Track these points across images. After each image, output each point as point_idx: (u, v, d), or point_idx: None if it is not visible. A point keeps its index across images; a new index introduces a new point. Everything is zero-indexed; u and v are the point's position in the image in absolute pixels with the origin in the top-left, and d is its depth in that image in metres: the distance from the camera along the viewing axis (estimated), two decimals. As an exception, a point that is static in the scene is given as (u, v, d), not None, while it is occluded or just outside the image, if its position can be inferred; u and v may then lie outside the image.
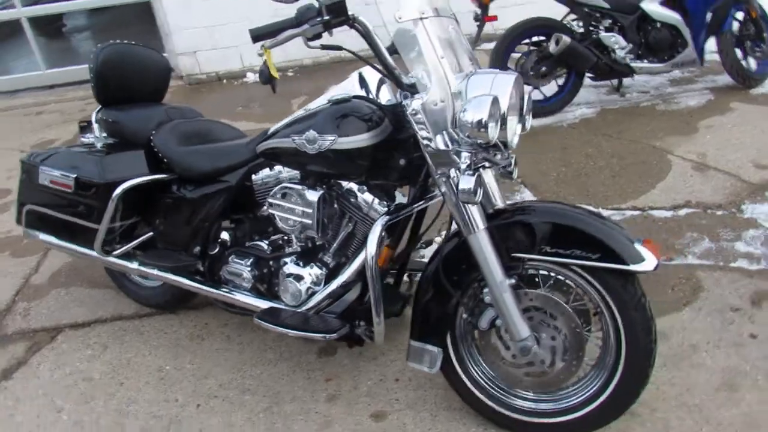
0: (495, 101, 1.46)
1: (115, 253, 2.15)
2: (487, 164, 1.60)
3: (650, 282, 2.32)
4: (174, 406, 2.03)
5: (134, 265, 2.16)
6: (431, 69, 1.53)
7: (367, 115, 1.71)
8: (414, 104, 1.53)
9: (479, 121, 1.42)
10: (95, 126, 2.27)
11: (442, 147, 1.54)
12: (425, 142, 1.56)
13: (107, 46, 2.23)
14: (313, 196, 1.77)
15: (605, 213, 2.84)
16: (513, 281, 1.60)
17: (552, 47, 3.59)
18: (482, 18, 3.62)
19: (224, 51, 5.58)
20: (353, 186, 1.83)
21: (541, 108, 3.87)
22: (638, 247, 1.51)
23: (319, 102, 1.79)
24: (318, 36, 1.49)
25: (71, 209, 2.12)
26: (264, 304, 1.96)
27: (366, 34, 1.54)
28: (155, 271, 2.13)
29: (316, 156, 1.73)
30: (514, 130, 1.61)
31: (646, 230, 2.68)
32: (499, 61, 3.73)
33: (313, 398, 1.99)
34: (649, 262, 1.49)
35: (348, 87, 1.80)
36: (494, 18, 3.63)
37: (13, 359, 2.35)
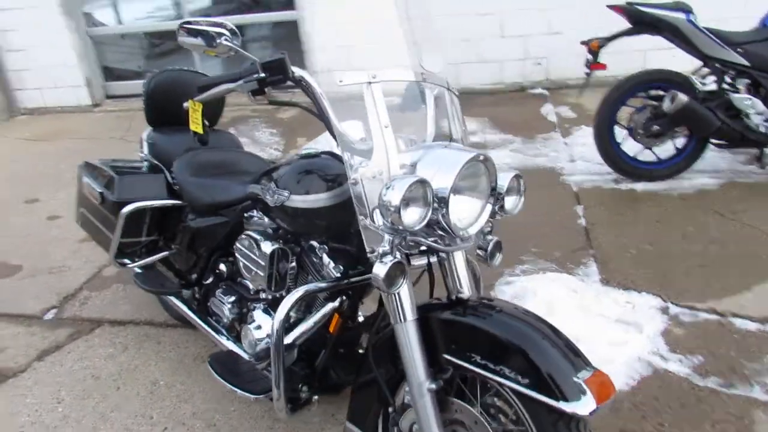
0: (421, 183, 1.30)
1: (129, 265, 2.28)
2: (420, 249, 1.43)
3: (686, 409, 1.92)
4: (146, 424, 2.11)
5: (136, 280, 2.28)
6: (373, 137, 1.41)
7: (331, 175, 1.63)
8: (352, 173, 1.42)
9: (393, 204, 1.27)
10: (145, 144, 2.44)
11: (370, 224, 1.40)
12: (359, 215, 1.43)
13: (161, 72, 2.39)
14: (267, 248, 1.72)
15: (674, 309, 2.41)
16: (435, 386, 1.41)
17: (666, 105, 3.14)
18: (590, 66, 3.28)
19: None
20: (315, 243, 1.74)
21: (650, 171, 3.41)
22: (580, 380, 1.24)
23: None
24: (259, 92, 1.45)
25: (100, 218, 2.29)
26: (231, 346, 1.95)
27: (311, 94, 1.46)
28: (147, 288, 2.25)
29: (275, 208, 1.69)
30: (470, 216, 1.43)
31: (713, 342, 2.22)
32: (607, 113, 3.36)
33: (262, 450, 1.94)
34: (584, 403, 1.22)
35: (322, 141, 1.72)
36: (602, 66, 3.27)
37: (53, 343, 2.61)
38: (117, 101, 6.43)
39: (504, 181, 1.49)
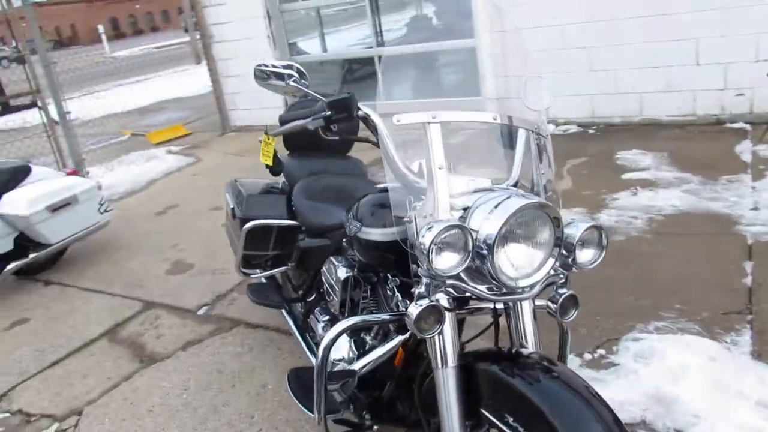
0: (460, 229, 1.26)
1: (251, 275, 2.51)
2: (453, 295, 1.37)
3: None
4: (247, 422, 2.29)
5: (247, 291, 2.50)
6: (429, 178, 1.40)
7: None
8: (409, 210, 1.43)
9: (425, 248, 1.25)
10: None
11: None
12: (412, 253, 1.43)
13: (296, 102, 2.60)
14: (342, 274, 1.78)
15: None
16: None
17: None
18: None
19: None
20: (388, 275, 1.76)
21: None
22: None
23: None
24: (327, 129, 1.51)
25: (233, 230, 2.56)
26: (314, 363, 2.04)
27: (374, 131, 1.49)
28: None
29: (351, 238, 1.74)
30: (526, 267, 1.35)
31: None
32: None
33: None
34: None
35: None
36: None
37: (197, 335, 2.96)
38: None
39: (577, 231, 1.39)
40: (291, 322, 2.33)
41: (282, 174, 2.54)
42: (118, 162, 6.52)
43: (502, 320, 1.51)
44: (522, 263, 1.36)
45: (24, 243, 3.68)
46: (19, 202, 3.53)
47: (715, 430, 1.91)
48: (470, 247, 1.29)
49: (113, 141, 7.97)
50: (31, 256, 3.71)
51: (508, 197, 1.36)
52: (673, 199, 3.64)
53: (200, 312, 3.18)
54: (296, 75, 1.54)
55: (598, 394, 1.27)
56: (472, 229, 1.31)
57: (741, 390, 2.08)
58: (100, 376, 2.75)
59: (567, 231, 1.41)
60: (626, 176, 4.15)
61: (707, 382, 2.13)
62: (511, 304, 1.45)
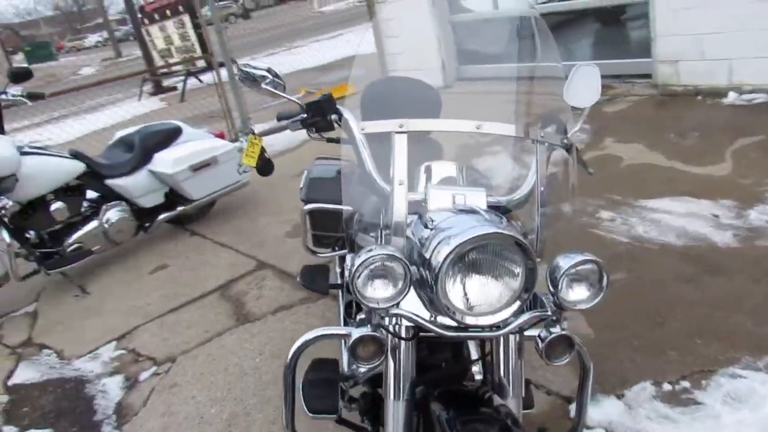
0: (392, 258, 1.13)
1: (317, 254, 2.55)
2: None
3: None
4: (297, 397, 2.38)
5: (298, 273, 2.55)
6: (389, 189, 1.29)
7: None
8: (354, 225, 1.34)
9: (352, 274, 1.15)
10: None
11: None
12: None
13: (376, 81, 2.52)
14: None
15: None
16: None
17: None
18: None
19: (711, 63, 4.77)
20: None
21: None
22: None
23: None
24: (310, 129, 1.45)
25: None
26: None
27: (349, 133, 1.39)
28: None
29: None
30: (487, 302, 1.18)
31: None
32: None
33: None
34: None
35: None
36: None
37: (289, 301, 3.12)
38: (464, 83, 6.85)
39: (566, 264, 1.18)
40: (340, 308, 2.34)
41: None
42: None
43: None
44: (481, 299, 1.19)
45: (173, 197, 4.16)
46: (166, 161, 3.97)
47: None
48: (408, 280, 1.16)
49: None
50: (179, 209, 4.18)
51: (477, 222, 1.18)
52: None
53: (298, 278, 3.33)
54: (270, 77, 1.49)
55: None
56: (421, 256, 1.18)
57: None
58: (200, 328, 3.05)
59: (559, 262, 1.21)
60: (807, 165, 3.40)
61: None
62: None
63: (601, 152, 4.25)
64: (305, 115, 1.43)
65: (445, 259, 1.12)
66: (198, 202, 4.19)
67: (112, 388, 2.75)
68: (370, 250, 1.15)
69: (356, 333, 1.23)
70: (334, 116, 1.42)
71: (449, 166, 1.53)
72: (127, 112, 9.49)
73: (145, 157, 4.00)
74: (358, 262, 1.14)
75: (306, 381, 1.89)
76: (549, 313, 1.24)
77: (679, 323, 2.35)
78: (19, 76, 3.34)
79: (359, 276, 1.14)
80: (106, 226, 3.81)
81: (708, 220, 3.04)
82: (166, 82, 12.15)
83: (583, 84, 1.53)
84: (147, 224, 4.07)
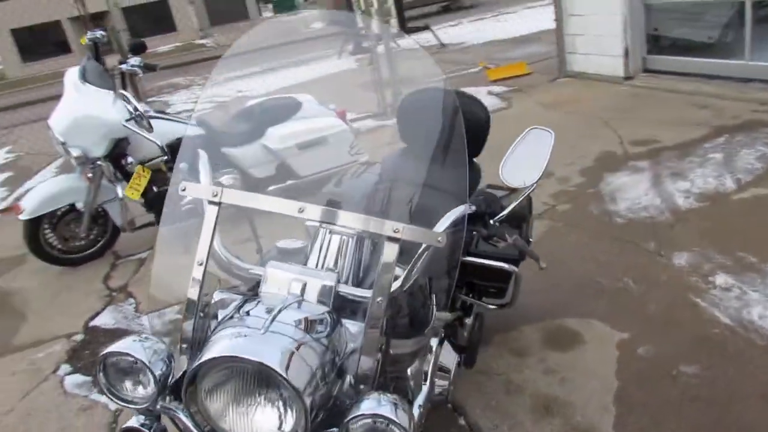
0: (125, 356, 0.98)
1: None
2: None
3: None
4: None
5: None
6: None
7: None
8: None
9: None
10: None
11: None
12: None
13: (415, 91, 2.24)
14: None
15: None
16: None
17: None
18: None
19: None
20: None
21: None
22: None
23: None
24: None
25: None
26: None
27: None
28: None
29: None
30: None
31: None
32: None
33: None
34: None
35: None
36: None
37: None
38: (650, 77, 5.92)
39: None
40: None
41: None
42: (442, 97, 6.70)
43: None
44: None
45: (283, 171, 4.26)
46: (275, 137, 4.05)
47: None
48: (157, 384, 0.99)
49: (463, 71, 8.21)
50: (288, 182, 4.27)
51: (227, 343, 0.97)
52: None
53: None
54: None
55: None
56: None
57: None
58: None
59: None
60: None
61: None
62: None
63: None
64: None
65: (188, 376, 0.94)
66: (304, 178, 4.23)
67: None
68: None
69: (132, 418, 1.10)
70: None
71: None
72: (323, 69, 9.97)
73: (260, 130, 4.13)
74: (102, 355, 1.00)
75: None
76: None
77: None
78: (137, 48, 3.62)
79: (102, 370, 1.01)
80: (215, 190, 4.04)
81: None
82: (365, 43, 12.50)
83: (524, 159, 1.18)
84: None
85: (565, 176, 4.07)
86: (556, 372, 2.34)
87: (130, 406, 1.09)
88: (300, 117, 4.20)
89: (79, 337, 3.17)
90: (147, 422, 1.12)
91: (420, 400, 1.61)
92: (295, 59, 11.38)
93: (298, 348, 0.99)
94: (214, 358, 0.95)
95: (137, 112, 3.42)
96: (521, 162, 1.28)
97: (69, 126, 3.46)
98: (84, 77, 3.56)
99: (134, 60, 3.71)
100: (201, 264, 1.15)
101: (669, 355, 2.29)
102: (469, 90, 6.73)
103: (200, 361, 0.96)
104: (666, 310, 2.54)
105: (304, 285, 1.15)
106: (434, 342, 1.79)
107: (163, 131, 3.84)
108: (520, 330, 2.60)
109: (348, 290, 1.18)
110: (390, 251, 1.10)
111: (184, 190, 1.18)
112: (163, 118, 3.87)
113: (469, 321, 2.17)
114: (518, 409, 2.19)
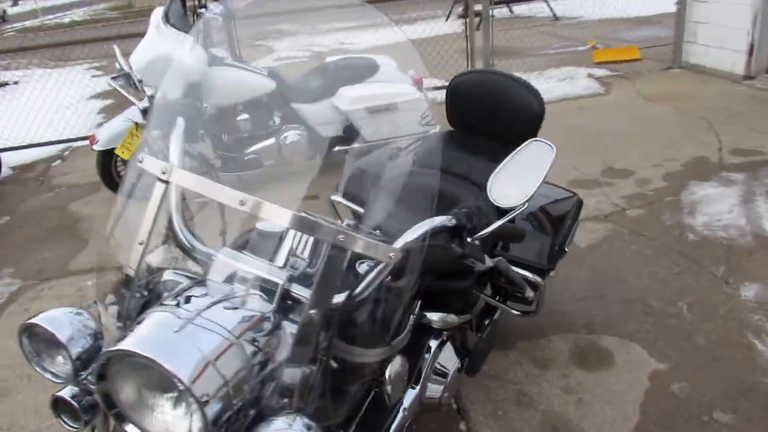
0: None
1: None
2: None
3: None
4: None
5: None
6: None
7: None
8: None
9: None
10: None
11: None
12: None
13: (466, 72, 2.12)
14: None
15: None
16: None
17: None
18: None
19: None
20: None
21: None
22: None
23: None
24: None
25: None
26: None
27: None
28: None
29: None
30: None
31: None
32: None
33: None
34: None
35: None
36: None
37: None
38: (775, 78, 5.29)
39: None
40: None
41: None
42: (537, 74, 6.35)
43: None
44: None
45: (351, 132, 4.21)
46: (345, 97, 3.99)
47: None
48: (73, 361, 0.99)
49: (570, 49, 7.70)
50: (355, 145, 4.22)
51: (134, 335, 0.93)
52: None
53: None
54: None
55: None
56: None
57: None
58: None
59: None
60: None
61: None
62: None
63: None
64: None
65: (99, 359, 0.92)
66: (369, 143, 4.16)
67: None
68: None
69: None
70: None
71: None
72: (425, 30, 9.75)
73: (332, 89, 4.08)
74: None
75: None
76: None
77: None
78: (217, -7, 3.64)
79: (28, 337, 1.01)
80: (281, 144, 4.07)
81: None
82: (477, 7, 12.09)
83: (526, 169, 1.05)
84: (321, 152, 4.22)
85: (646, 178, 3.73)
86: (575, 391, 2.18)
87: (53, 379, 1.09)
88: (375, 80, 4.11)
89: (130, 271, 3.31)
90: (78, 393, 1.13)
91: (406, 402, 1.52)
92: (405, 17, 11.21)
93: (221, 348, 0.93)
94: (119, 350, 0.91)
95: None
96: (513, 179, 1.13)
97: (147, 65, 3.57)
98: (167, 19, 3.64)
99: (215, 8, 3.76)
100: (141, 243, 1.12)
101: (705, 398, 2.06)
102: (568, 70, 6.39)
103: (108, 350, 0.93)
104: (715, 346, 2.28)
105: (252, 279, 1.09)
106: (434, 344, 1.69)
107: (237, 81, 3.88)
108: (549, 338, 2.44)
109: (301, 292, 1.10)
110: (333, 261, 1.00)
111: (141, 162, 1.15)
112: (241, 68, 3.91)
113: (485, 323, 2.04)
114: (524, 425, 2.06)
